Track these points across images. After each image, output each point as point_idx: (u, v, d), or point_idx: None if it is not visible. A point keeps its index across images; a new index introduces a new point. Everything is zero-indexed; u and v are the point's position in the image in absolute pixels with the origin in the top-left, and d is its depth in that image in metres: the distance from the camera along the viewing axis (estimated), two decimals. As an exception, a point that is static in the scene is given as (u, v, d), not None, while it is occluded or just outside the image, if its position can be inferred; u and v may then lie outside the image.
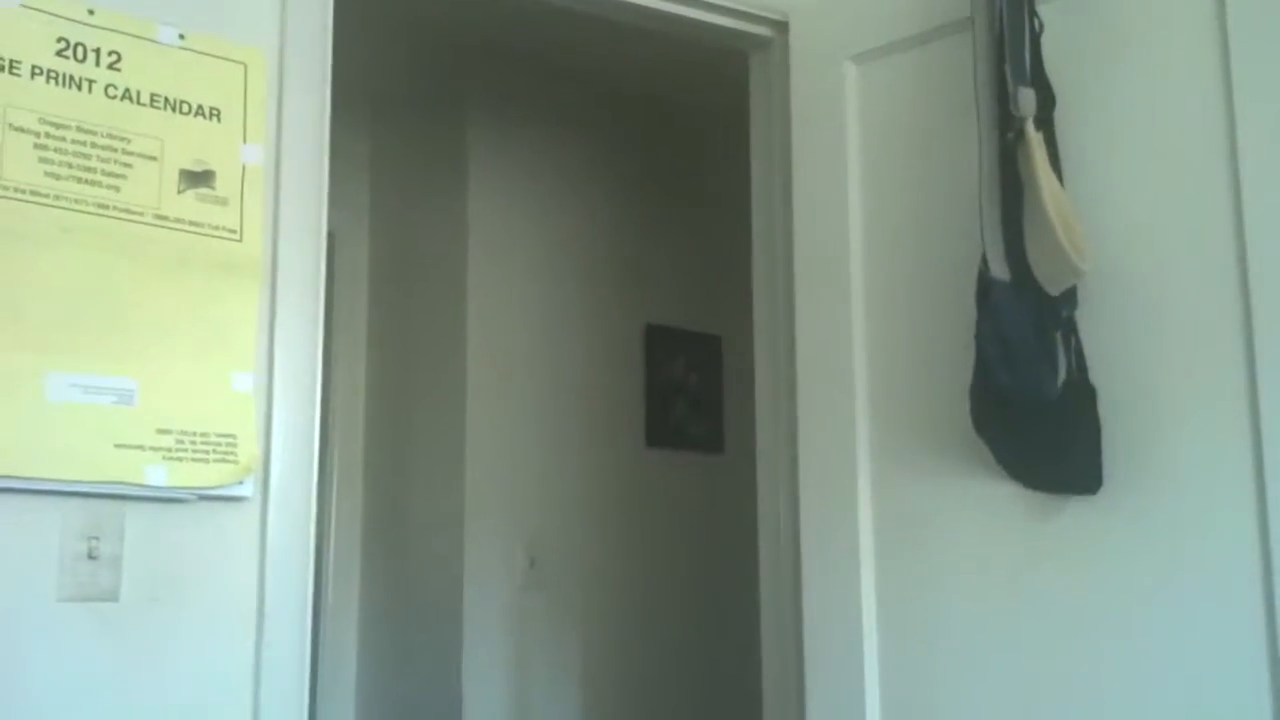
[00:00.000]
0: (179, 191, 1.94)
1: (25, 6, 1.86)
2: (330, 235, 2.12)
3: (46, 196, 1.84)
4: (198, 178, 1.96)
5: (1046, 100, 1.97)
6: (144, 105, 1.93)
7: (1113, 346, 1.95)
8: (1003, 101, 1.93)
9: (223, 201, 1.97)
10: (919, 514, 2.17)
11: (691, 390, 4.18)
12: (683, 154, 4.15)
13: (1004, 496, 2.04)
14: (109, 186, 1.88)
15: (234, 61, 2.01)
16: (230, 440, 1.93)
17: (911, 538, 2.18)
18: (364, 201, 4.22)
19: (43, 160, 1.84)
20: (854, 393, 2.27)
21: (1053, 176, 1.89)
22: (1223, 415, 1.84)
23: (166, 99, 1.95)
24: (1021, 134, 1.90)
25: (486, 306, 3.82)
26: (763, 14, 2.52)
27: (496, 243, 3.87)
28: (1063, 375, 1.91)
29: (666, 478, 4.05)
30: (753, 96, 2.63)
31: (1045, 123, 1.96)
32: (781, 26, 2.51)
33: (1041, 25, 1.99)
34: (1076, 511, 1.96)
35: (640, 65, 3.72)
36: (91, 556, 1.84)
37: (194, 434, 1.90)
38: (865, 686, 2.18)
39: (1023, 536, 2.02)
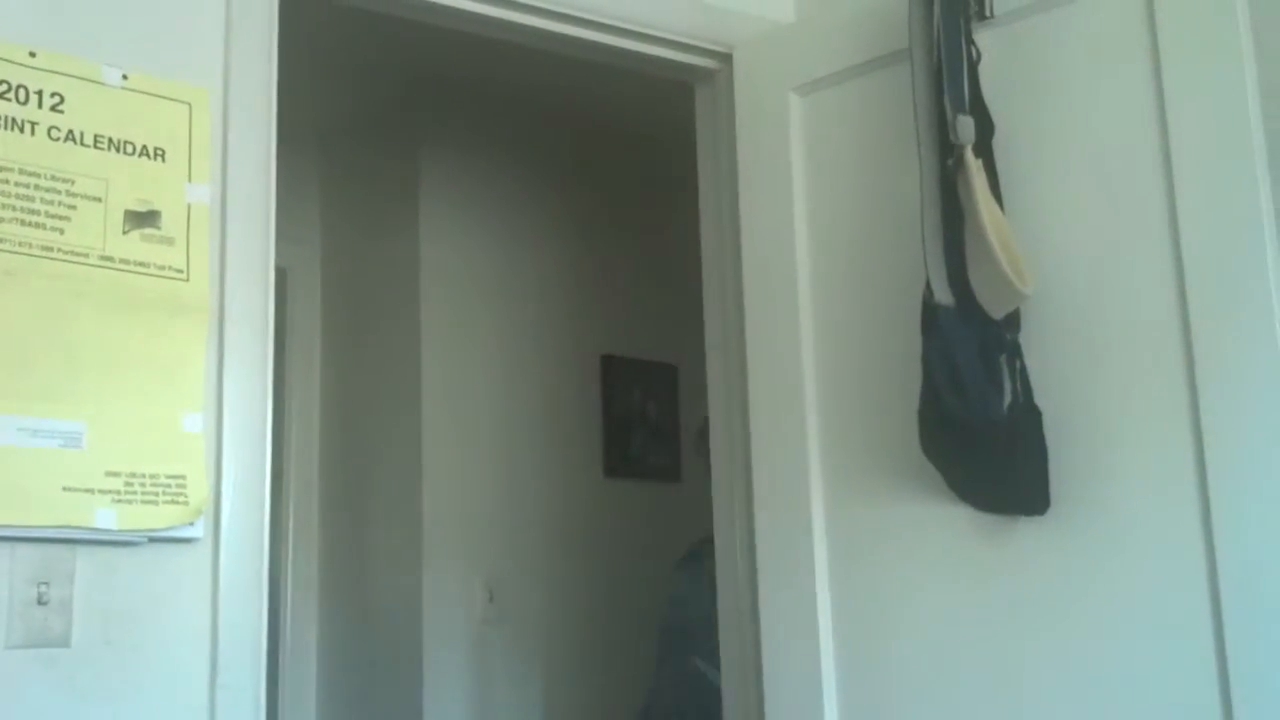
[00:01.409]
0: (124, 232, 1.93)
1: (-35, 51, 1.86)
2: (281, 271, 2.11)
3: (-10, 239, 1.83)
4: (143, 218, 1.95)
5: (985, 128, 2.00)
6: (88, 146, 1.92)
7: (1057, 369, 1.97)
8: (942, 129, 1.96)
9: (169, 241, 1.96)
10: (872, 536, 2.18)
11: (648, 420, 4.18)
12: (635, 184, 4.17)
13: (955, 518, 2.05)
14: (53, 229, 1.87)
15: (178, 101, 2.01)
16: (180, 481, 1.92)
17: (865, 560, 2.19)
18: (315, 236, 4.21)
19: (-15, 202, 1.83)
20: (805, 418, 2.28)
21: (993, 202, 1.92)
22: (1165, 434, 1.86)
23: (110, 139, 1.94)
24: (961, 161, 1.93)
25: (440, 339, 3.82)
26: (707, 46, 2.54)
27: (449, 275, 3.87)
28: (1008, 398, 1.94)
29: (625, 507, 4.05)
30: (699, 128, 2.66)
31: (984, 150, 1.99)
32: (725, 58, 2.53)
33: (979, 54, 2.03)
34: (1026, 532, 1.98)
35: (591, 96, 3.73)
36: (41, 602, 1.82)
37: (143, 475, 1.89)
38: (824, 707, 2.19)
39: (974, 557, 2.04)
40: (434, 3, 2.32)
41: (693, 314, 2.72)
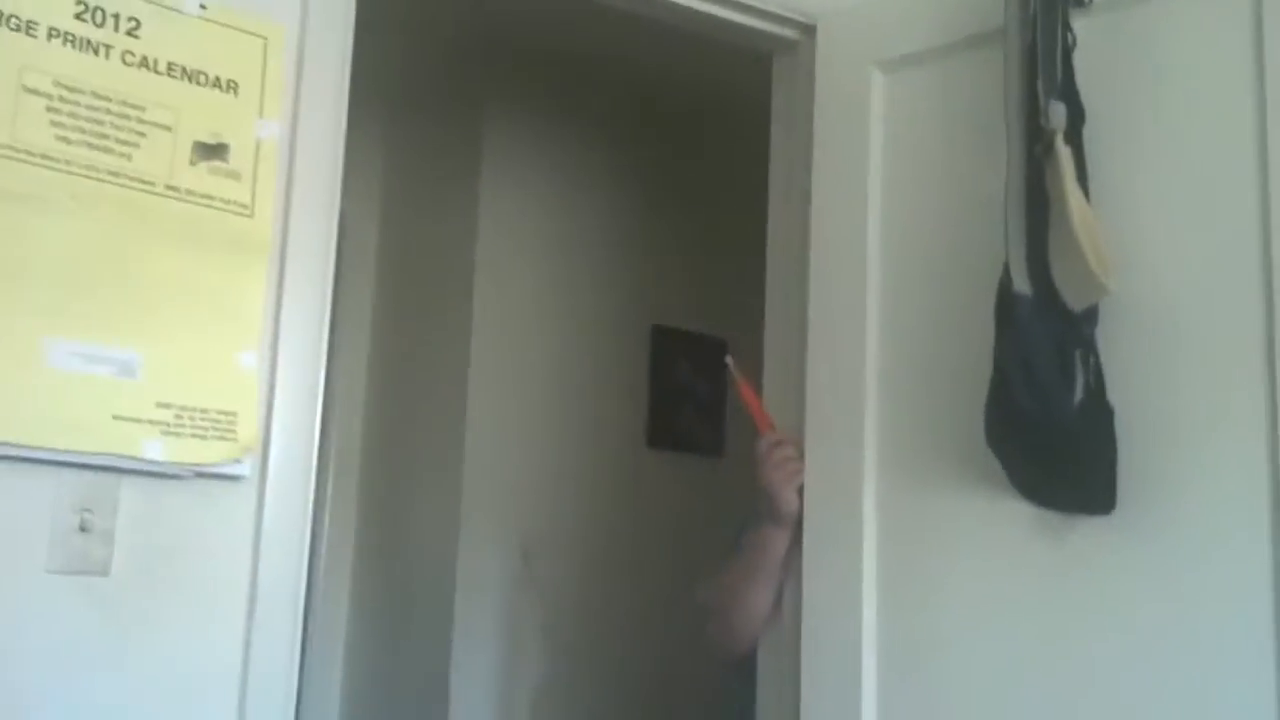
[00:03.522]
0: (192, 163, 1.91)
1: (46, -33, 1.83)
2: (341, 219, 2.09)
3: (57, 161, 1.80)
4: (211, 150, 1.93)
5: (1076, 116, 1.95)
6: (161, 74, 1.90)
7: (1132, 367, 1.92)
8: (1033, 114, 1.91)
9: (236, 176, 1.94)
10: (925, 528, 2.14)
11: (695, 393, 4.15)
12: (696, 156, 4.12)
13: (1014, 515, 2.00)
14: (121, 155, 1.85)
15: (254, 35, 1.98)
16: (230, 418, 1.90)
17: (916, 553, 2.15)
18: (375, 190, 4.20)
19: (55, 124, 1.81)
20: (864, 403, 2.23)
21: (1080, 193, 1.87)
22: (1241, 439, 1.81)
23: (184, 69, 1.92)
24: (1050, 148, 1.87)
25: (493, 300, 3.80)
26: (790, 16, 2.48)
27: (506, 237, 3.85)
28: (1080, 394, 1.89)
29: (666, 479, 4.03)
30: (775, 100, 2.60)
31: (1074, 139, 1.93)
32: (809, 30, 2.48)
33: (1075, 40, 1.97)
34: (1088, 532, 1.93)
35: (658, 66, 3.69)
36: (84, 529, 1.81)
37: (194, 410, 1.87)
38: (862, 704, 2.14)
39: (1032, 556, 1.99)
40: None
41: (746, 289, 2.68)
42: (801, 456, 2.31)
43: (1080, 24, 1.99)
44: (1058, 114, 1.87)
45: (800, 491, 2.30)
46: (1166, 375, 1.90)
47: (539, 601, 3.76)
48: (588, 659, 3.81)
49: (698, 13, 2.45)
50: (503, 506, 3.73)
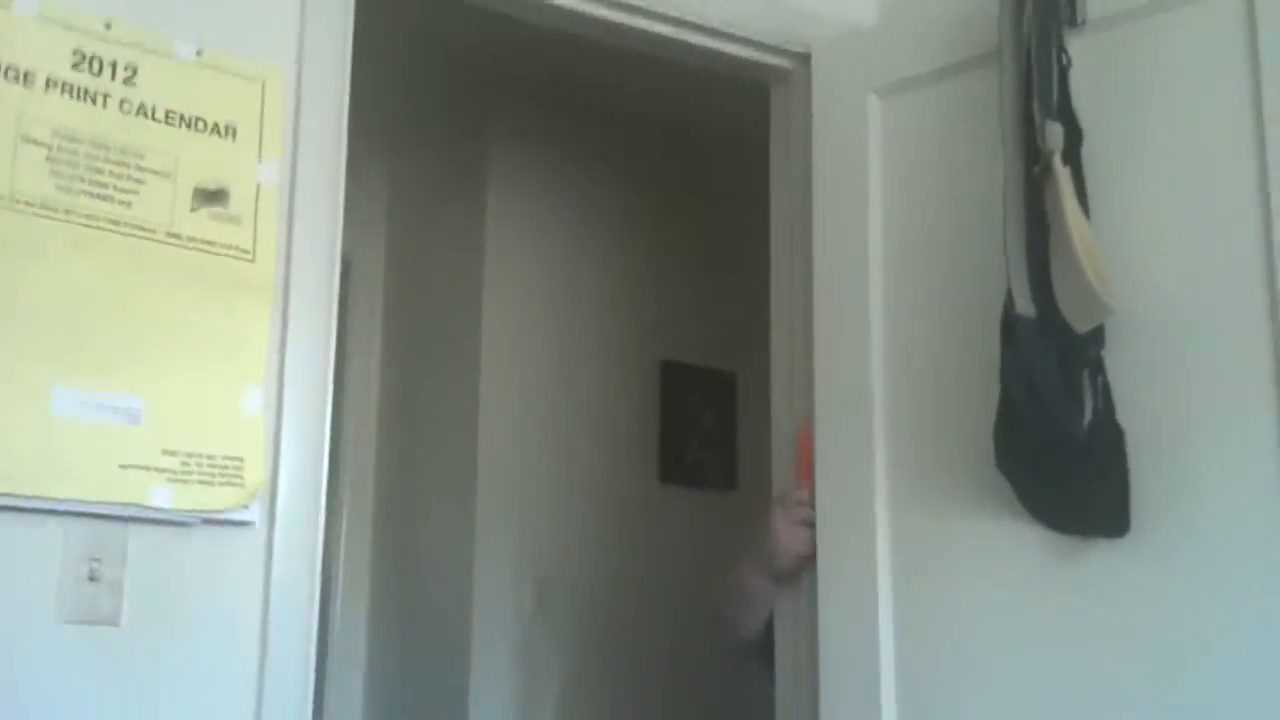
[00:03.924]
0: (192, 209, 1.91)
1: (42, 18, 1.84)
2: (346, 260, 2.09)
3: (57, 210, 1.81)
4: (211, 195, 1.93)
5: (1074, 136, 1.94)
6: (159, 121, 1.91)
7: (1142, 387, 1.90)
8: (1029, 135, 1.90)
9: (236, 220, 1.95)
10: (939, 554, 2.12)
11: (705, 427, 4.14)
12: (701, 187, 4.13)
13: (1026, 538, 1.98)
14: (121, 202, 1.86)
15: (251, 79, 1.99)
16: (237, 463, 1.90)
17: (931, 579, 2.13)
18: (380, 229, 4.21)
19: (54, 174, 1.81)
20: (873, 431, 2.22)
21: (1080, 213, 1.86)
22: (1255, 459, 1.79)
23: (182, 115, 1.92)
24: (1048, 169, 1.87)
25: (501, 337, 3.80)
26: (784, 46, 2.49)
27: (512, 273, 3.86)
28: (1089, 415, 1.87)
29: (679, 514, 4.01)
30: (773, 129, 2.60)
31: (1072, 159, 1.92)
32: (803, 58, 2.48)
33: (1070, 60, 1.96)
34: (1104, 554, 1.91)
35: (661, 96, 3.70)
36: (93, 579, 1.80)
37: (200, 455, 1.87)
38: (881, 728, 2.13)
39: (1046, 579, 1.97)
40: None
41: (752, 321, 2.68)
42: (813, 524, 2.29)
43: (1075, 44, 1.99)
44: (1054, 134, 1.86)
45: (796, 558, 2.29)
46: (1176, 395, 1.88)
47: (555, 639, 3.74)
48: (605, 696, 3.79)
49: (693, 46, 2.46)
50: (516, 546, 3.72)
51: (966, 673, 2.06)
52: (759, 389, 2.58)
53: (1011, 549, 2.01)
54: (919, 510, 2.15)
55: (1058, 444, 1.88)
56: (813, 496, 2.30)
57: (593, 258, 4.00)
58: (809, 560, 2.28)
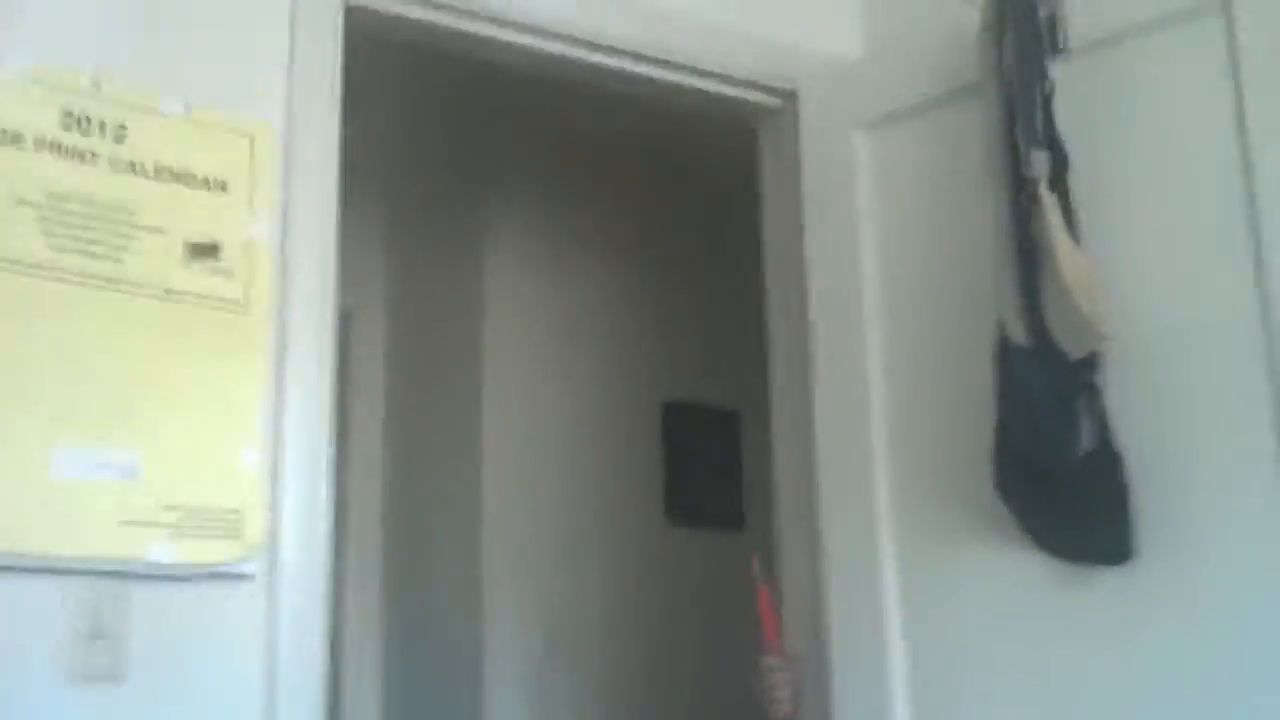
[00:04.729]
0: (184, 264, 1.92)
1: (30, 79, 1.86)
2: (346, 311, 2.09)
3: (51, 270, 1.82)
4: (203, 250, 1.94)
5: (1060, 162, 1.94)
6: (149, 178, 1.92)
7: (1139, 412, 1.89)
8: (1015, 164, 1.91)
9: (229, 274, 1.95)
10: (944, 585, 2.11)
11: (710, 467, 4.13)
12: (699, 228, 4.13)
13: (1031, 567, 1.98)
14: (113, 260, 1.87)
15: (240, 133, 2.00)
16: (235, 516, 1.89)
17: (937, 610, 2.12)
18: (379, 277, 4.21)
19: (46, 233, 1.82)
20: (874, 464, 2.22)
21: (1068, 239, 1.86)
22: (1255, 482, 1.79)
23: (172, 171, 1.94)
24: (1035, 197, 1.87)
25: (503, 383, 3.80)
26: (771, 84, 2.50)
27: (513, 319, 3.86)
28: (1086, 442, 1.87)
29: (687, 555, 3.99)
30: (762, 168, 2.62)
31: (1059, 184, 1.93)
32: (790, 96, 2.49)
33: (1053, 86, 1.97)
34: (1106, 583, 1.90)
35: (656, 139, 3.71)
36: (95, 636, 1.79)
37: (198, 509, 1.87)
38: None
39: (1051, 609, 1.96)
40: (494, 39, 2.31)
41: (754, 360, 2.68)
42: (791, 683, 2.21)
43: (1058, 70, 2.00)
44: (1039, 163, 1.87)
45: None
46: (1174, 420, 1.88)
47: (566, 682, 3.72)
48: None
49: (680, 86, 2.47)
50: (525, 591, 3.70)
51: (978, 702, 2.05)
52: (763, 427, 2.58)
53: (1016, 579, 2.00)
54: (924, 543, 2.15)
55: (1055, 471, 1.87)
56: (785, 655, 2.23)
57: (593, 301, 4.00)
58: (797, 711, 2.21)
